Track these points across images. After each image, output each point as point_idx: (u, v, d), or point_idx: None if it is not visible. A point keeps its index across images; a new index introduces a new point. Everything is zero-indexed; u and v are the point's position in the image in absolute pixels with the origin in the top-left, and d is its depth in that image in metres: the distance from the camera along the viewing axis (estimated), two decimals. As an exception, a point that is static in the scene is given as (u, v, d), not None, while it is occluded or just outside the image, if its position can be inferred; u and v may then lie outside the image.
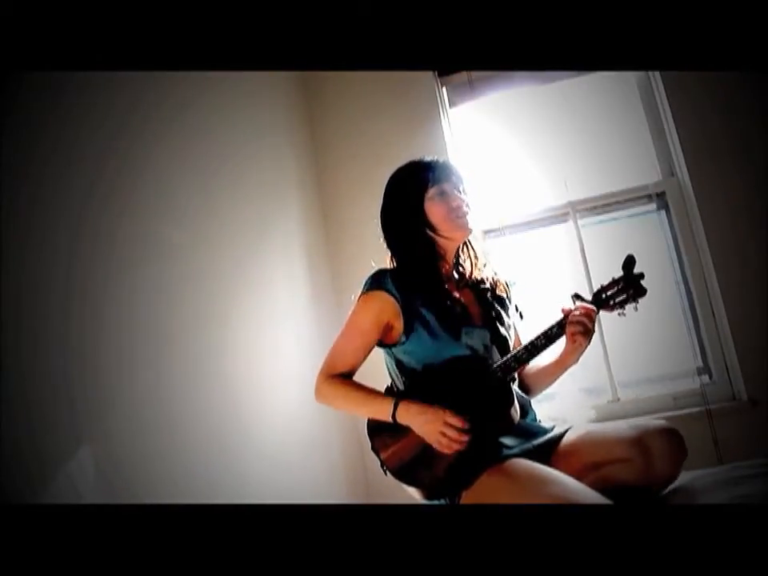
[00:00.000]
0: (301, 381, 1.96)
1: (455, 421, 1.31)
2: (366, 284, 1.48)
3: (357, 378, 1.50)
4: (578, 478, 1.27)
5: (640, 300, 1.41)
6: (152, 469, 1.24)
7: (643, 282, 1.41)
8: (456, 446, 1.32)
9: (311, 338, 2.15)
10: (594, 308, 1.41)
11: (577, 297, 1.44)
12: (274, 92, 2.39)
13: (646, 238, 2.48)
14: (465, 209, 1.48)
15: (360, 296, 1.48)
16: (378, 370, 1.54)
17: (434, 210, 1.48)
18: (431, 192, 1.48)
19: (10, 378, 0.97)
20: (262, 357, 1.83)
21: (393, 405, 1.37)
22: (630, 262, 1.42)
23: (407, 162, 1.56)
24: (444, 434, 1.31)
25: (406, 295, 1.44)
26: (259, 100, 2.22)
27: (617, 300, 1.42)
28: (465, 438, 1.31)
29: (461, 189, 1.51)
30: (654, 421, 1.38)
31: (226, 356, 1.62)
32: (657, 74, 2.43)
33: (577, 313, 1.39)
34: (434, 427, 1.33)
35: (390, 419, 1.37)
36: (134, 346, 1.27)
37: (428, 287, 1.46)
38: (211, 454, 1.46)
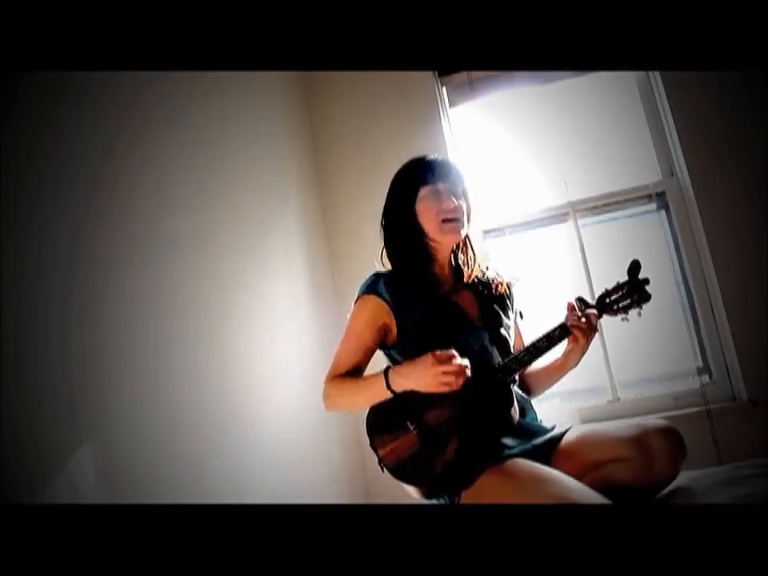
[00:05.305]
0: (301, 381, 1.96)
1: (444, 356, 1.30)
2: (360, 288, 1.50)
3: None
4: (578, 477, 1.26)
5: (644, 306, 1.41)
6: (152, 469, 1.24)
7: (647, 288, 1.41)
8: (461, 378, 1.30)
9: (311, 339, 2.15)
10: (596, 312, 1.41)
11: (580, 300, 1.44)
12: (274, 92, 2.39)
13: (645, 238, 2.47)
14: (456, 212, 1.45)
15: (355, 301, 1.50)
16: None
17: (423, 212, 1.46)
18: (423, 192, 1.46)
19: (10, 378, 0.97)
20: (263, 357, 1.83)
21: (383, 377, 1.37)
22: (635, 267, 1.41)
23: (411, 159, 1.55)
24: (444, 374, 1.29)
25: (399, 297, 1.45)
26: (259, 100, 2.22)
27: (620, 305, 1.41)
28: (465, 364, 1.30)
29: (459, 189, 1.49)
30: (653, 420, 1.38)
31: (226, 356, 1.62)
32: (657, 74, 2.43)
33: (578, 315, 1.39)
34: (431, 374, 1.31)
35: (387, 392, 1.37)
36: (134, 346, 1.27)
37: (421, 289, 1.46)
38: (212, 453, 1.46)
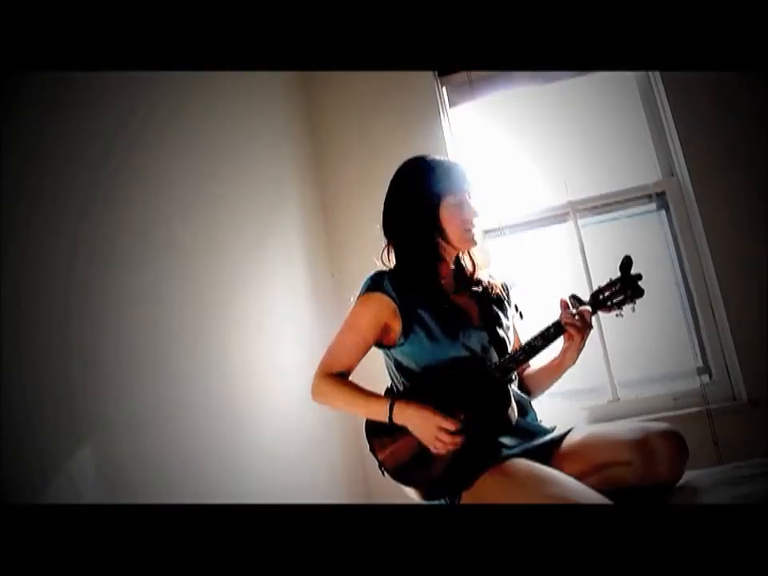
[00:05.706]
0: (300, 381, 1.95)
1: (447, 424, 1.32)
2: (364, 285, 1.48)
3: (358, 377, 1.50)
4: (581, 479, 1.27)
5: (638, 301, 1.41)
6: (152, 469, 1.24)
7: (641, 283, 1.41)
8: (450, 448, 1.34)
9: (311, 338, 2.15)
10: (589, 309, 1.41)
11: (574, 298, 1.44)
12: (274, 92, 2.39)
13: (646, 238, 2.47)
14: (475, 221, 1.48)
15: (358, 297, 1.48)
16: (378, 371, 1.54)
17: (448, 219, 1.46)
18: (449, 199, 1.47)
19: (10, 378, 0.97)
20: (262, 357, 1.83)
21: (389, 406, 1.38)
22: (627, 263, 1.41)
23: (424, 158, 1.53)
24: (438, 438, 1.33)
25: (405, 296, 1.44)
26: (259, 100, 2.22)
27: (614, 301, 1.41)
28: (458, 440, 1.33)
29: (475, 197, 1.51)
30: (656, 423, 1.38)
31: (225, 356, 1.62)
32: (657, 73, 2.43)
33: (571, 313, 1.40)
34: (429, 430, 1.34)
35: (386, 420, 1.38)
36: (133, 345, 1.27)
37: (426, 289, 1.46)
38: (211, 453, 1.46)
